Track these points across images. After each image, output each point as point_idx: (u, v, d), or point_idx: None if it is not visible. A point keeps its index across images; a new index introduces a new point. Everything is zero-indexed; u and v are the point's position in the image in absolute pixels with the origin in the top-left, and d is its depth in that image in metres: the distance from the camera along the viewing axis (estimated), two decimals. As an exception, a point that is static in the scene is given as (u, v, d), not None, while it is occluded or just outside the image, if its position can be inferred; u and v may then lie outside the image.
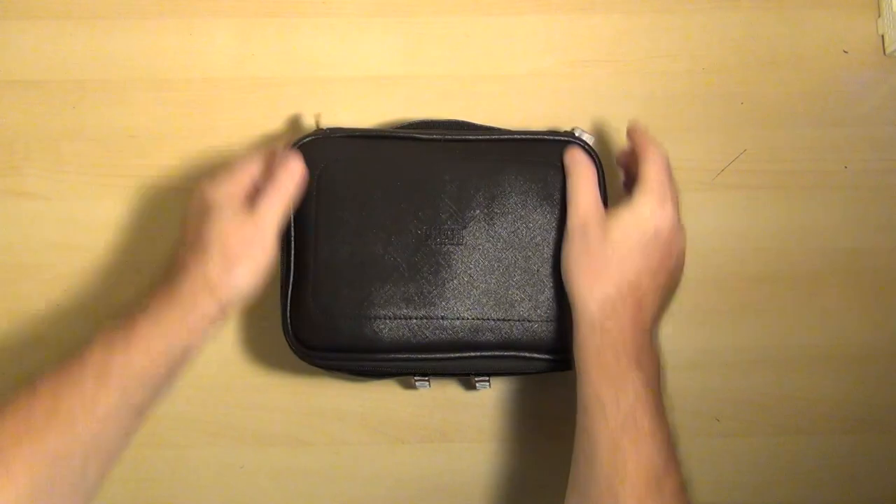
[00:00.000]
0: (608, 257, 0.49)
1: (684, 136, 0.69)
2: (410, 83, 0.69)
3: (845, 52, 0.71)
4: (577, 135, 0.58)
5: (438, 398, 0.65)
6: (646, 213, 0.49)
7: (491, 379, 0.58)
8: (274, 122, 0.68)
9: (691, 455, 0.64)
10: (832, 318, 0.67)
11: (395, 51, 0.70)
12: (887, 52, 0.70)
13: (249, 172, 0.52)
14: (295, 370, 0.64)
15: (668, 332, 0.65)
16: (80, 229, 0.67)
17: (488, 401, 0.65)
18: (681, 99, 0.70)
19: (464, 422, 0.65)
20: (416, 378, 0.57)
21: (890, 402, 0.66)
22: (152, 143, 0.68)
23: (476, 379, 0.58)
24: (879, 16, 0.71)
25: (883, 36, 0.70)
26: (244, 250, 0.48)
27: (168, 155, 0.68)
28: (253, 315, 0.66)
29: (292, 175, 0.51)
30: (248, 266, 0.48)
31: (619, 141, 0.68)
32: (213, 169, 0.54)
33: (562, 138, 0.58)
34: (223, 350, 0.65)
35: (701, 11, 0.71)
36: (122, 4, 0.71)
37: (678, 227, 0.51)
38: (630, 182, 0.55)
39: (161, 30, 0.70)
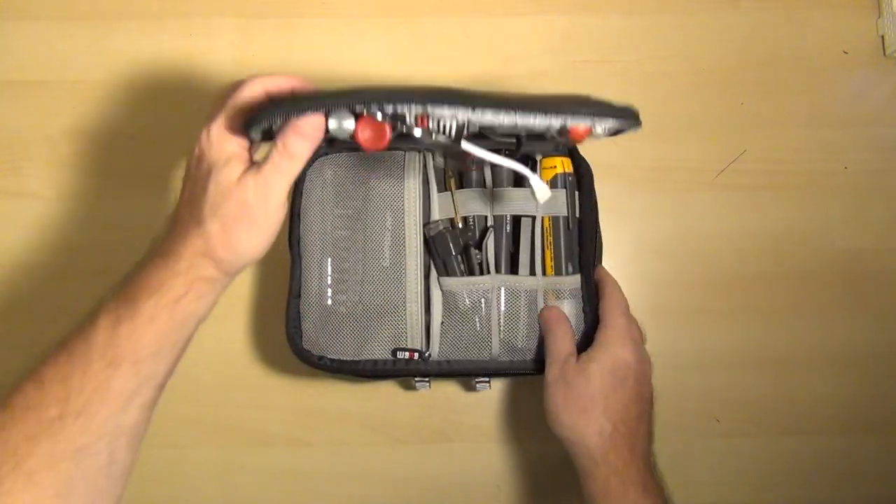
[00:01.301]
0: (593, 395, 0.52)
1: (684, 136, 0.69)
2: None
3: (845, 52, 0.71)
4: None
5: (438, 399, 0.65)
6: (616, 352, 0.53)
7: (491, 380, 0.58)
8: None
9: (691, 455, 0.64)
10: (832, 318, 0.66)
11: (395, 51, 0.70)
12: (887, 52, 0.70)
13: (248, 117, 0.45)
14: (295, 370, 0.64)
15: (669, 332, 0.66)
16: (80, 229, 0.67)
17: (488, 401, 0.65)
18: (681, 99, 0.70)
19: (464, 422, 0.65)
20: (416, 379, 0.57)
21: (890, 402, 0.66)
22: (152, 143, 0.68)
23: (476, 380, 0.58)
24: (879, 16, 0.71)
25: (883, 36, 0.70)
26: (244, 215, 0.44)
27: (168, 155, 0.68)
28: (253, 316, 0.66)
29: (308, 138, 0.44)
30: (248, 231, 0.44)
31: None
32: (211, 106, 0.47)
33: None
34: (224, 351, 0.65)
35: (701, 11, 0.71)
36: (122, 4, 0.71)
37: (644, 355, 0.55)
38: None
39: (161, 30, 0.70)
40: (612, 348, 0.54)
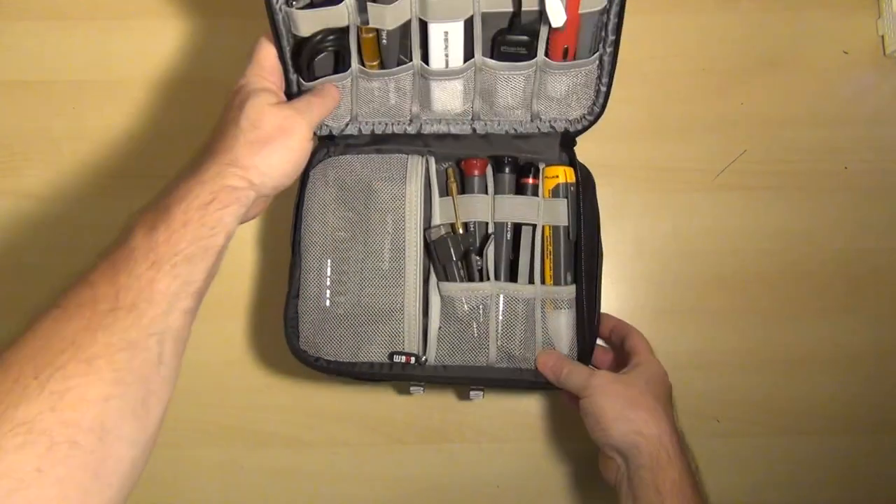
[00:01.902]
0: (658, 397, 0.55)
1: (684, 136, 0.69)
2: (410, 83, 0.69)
3: (845, 52, 0.71)
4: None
5: (438, 399, 0.65)
6: (661, 370, 0.58)
7: (485, 390, 0.58)
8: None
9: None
10: (832, 319, 0.66)
11: None
12: (887, 52, 0.70)
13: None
14: (294, 371, 0.64)
15: (669, 332, 0.66)
16: (80, 229, 0.66)
17: (487, 402, 0.65)
18: (681, 99, 0.70)
19: (463, 422, 0.65)
20: (411, 384, 0.57)
21: (890, 402, 0.66)
22: (152, 143, 0.68)
23: (470, 388, 0.58)
24: (879, 16, 0.71)
25: (883, 36, 0.70)
26: (278, 135, 0.49)
27: (168, 155, 0.68)
28: (253, 317, 0.66)
29: (332, 99, 0.55)
30: (280, 152, 0.49)
31: (606, 145, 0.68)
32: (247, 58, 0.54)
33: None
34: (223, 351, 0.65)
35: (701, 11, 0.71)
36: (122, 4, 0.71)
37: None
38: (618, 350, 0.62)
39: (161, 30, 0.70)
40: (657, 368, 0.57)
